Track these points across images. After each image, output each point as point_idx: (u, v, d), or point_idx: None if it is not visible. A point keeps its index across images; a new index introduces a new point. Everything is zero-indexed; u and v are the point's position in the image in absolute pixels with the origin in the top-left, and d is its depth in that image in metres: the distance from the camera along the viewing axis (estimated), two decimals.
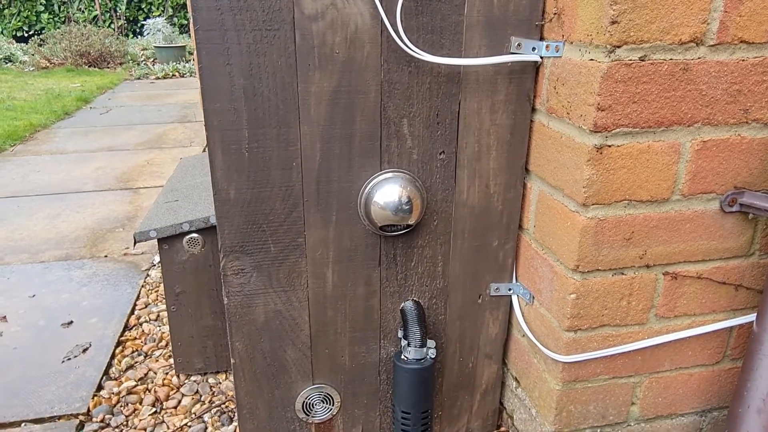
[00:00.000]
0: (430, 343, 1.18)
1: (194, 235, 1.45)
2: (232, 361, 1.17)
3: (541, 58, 1.05)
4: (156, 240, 1.45)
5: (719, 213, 1.02)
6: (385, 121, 1.05)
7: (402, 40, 1.00)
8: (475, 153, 1.11)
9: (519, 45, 1.04)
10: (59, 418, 1.48)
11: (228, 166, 1.02)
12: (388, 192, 1.07)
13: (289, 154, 1.03)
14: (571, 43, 0.95)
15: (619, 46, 0.87)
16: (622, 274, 1.03)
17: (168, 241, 1.45)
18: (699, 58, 0.90)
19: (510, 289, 1.24)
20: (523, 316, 1.23)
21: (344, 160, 1.06)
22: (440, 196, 1.13)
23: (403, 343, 1.18)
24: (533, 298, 1.18)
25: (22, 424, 1.46)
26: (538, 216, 1.13)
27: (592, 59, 0.90)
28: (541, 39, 1.05)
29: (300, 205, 1.08)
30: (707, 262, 1.06)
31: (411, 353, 1.15)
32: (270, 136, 1.02)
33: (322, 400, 1.25)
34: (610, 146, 0.93)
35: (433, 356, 1.17)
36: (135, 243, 1.44)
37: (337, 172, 1.07)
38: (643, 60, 0.89)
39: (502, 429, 1.39)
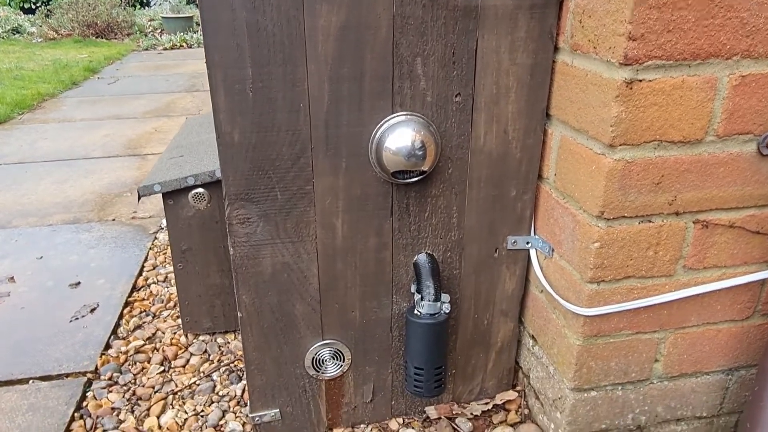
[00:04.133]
0: (445, 297, 1.13)
1: (200, 189, 1.41)
2: (239, 314, 1.13)
3: None
4: (162, 200, 1.41)
5: (756, 156, 0.95)
6: (398, 60, 0.99)
7: None
8: (493, 95, 1.05)
9: None
10: (67, 375, 1.46)
11: (231, 107, 0.97)
12: (400, 136, 1.01)
13: (295, 94, 0.97)
14: None
15: None
16: (650, 221, 0.97)
17: (173, 196, 1.40)
18: None
19: (528, 243, 1.19)
20: (541, 269, 1.17)
21: (354, 102, 1.00)
22: (455, 142, 1.07)
23: (417, 297, 1.13)
24: (552, 250, 1.12)
25: (30, 381, 1.44)
26: (560, 163, 1.06)
27: None
28: None
29: (308, 151, 1.02)
30: (741, 210, 0.99)
31: (424, 308, 1.10)
32: (275, 75, 0.96)
33: (332, 357, 1.21)
34: (641, 81, 0.86)
35: (447, 311, 1.12)
36: (139, 198, 1.39)
37: (347, 115, 1.01)
38: None
39: (518, 388, 1.35)
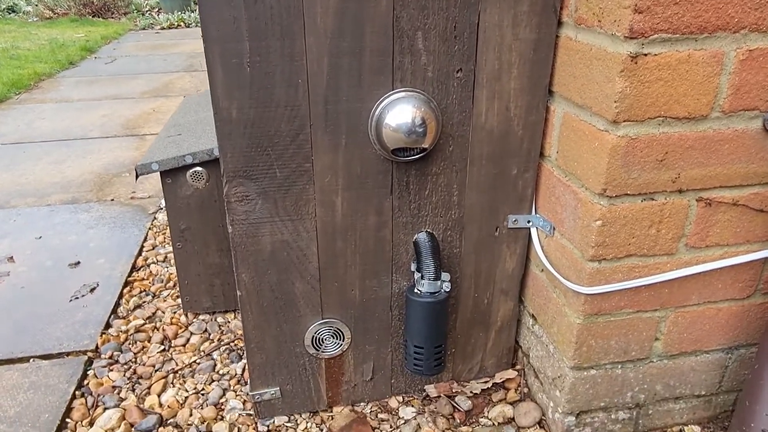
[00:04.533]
0: (445, 276, 1.13)
1: (198, 168, 1.39)
2: (238, 293, 1.12)
3: None
4: (160, 177, 1.40)
5: (761, 133, 0.94)
6: (398, 34, 0.97)
7: None
8: (495, 71, 1.03)
9: None
10: (68, 354, 1.47)
11: (229, 82, 0.95)
12: (400, 112, 0.99)
13: (294, 69, 0.96)
14: None
15: None
16: (653, 199, 0.96)
17: (171, 174, 1.39)
18: None
19: (529, 222, 1.18)
20: (542, 248, 1.16)
21: (354, 77, 0.98)
22: (456, 119, 1.05)
23: (417, 276, 1.13)
24: (554, 229, 1.11)
25: (31, 360, 1.44)
26: (562, 140, 1.05)
27: None
28: None
29: (307, 127, 1.01)
30: (745, 188, 0.98)
31: (425, 286, 1.10)
32: (273, 48, 0.94)
33: (332, 335, 1.21)
34: (646, 55, 0.84)
35: (447, 290, 1.12)
36: (137, 176, 1.38)
37: (346, 90, 0.99)
38: None
39: (517, 367, 1.35)
